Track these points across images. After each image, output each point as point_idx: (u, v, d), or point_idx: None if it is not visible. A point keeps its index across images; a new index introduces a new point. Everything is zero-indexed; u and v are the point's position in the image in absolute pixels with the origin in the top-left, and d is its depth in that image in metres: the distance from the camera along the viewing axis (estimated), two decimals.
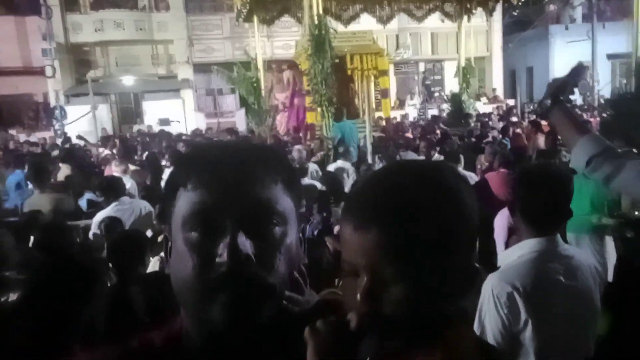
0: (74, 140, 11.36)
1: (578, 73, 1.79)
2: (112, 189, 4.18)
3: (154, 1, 19.22)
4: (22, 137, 15.21)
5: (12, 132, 16.97)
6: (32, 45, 17.34)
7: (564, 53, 21.27)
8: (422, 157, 6.71)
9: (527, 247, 1.71)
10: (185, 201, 0.69)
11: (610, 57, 20.24)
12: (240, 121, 16.72)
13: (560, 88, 1.73)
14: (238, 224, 0.67)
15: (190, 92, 19.32)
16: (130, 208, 3.94)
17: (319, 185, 5.00)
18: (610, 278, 3.43)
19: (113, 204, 4.04)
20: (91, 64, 19.09)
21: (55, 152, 8.88)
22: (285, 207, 0.72)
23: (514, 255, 1.74)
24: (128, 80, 18.53)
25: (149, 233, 3.46)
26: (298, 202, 0.76)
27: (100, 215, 3.96)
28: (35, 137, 14.90)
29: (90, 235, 3.91)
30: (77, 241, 2.98)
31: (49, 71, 15.85)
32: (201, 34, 19.62)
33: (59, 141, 13.60)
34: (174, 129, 15.60)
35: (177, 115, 18.27)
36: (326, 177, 5.28)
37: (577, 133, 1.64)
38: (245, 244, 0.66)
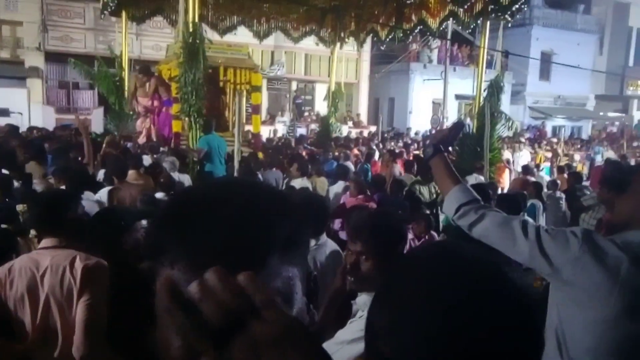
0: None
1: (458, 127, 2.02)
2: None
3: None
4: None
5: None
6: None
7: (420, 89, 23.51)
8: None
9: None
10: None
11: (457, 97, 22.83)
12: (97, 120, 15.32)
13: (443, 140, 1.91)
14: None
15: (39, 83, 17.24)
16: None
17: None
18: None
19: None
20: None
21: None
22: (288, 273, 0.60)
23: None
24: None
25: None
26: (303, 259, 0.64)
27: None
28: None
29: None
30: None
31: None
32: (58, 20, 17.72)
33: None
34: (14, 121, 13.72)
35: (20, 106, 16.16)
36: None
37: (451, 182, 1.80)
38: None
